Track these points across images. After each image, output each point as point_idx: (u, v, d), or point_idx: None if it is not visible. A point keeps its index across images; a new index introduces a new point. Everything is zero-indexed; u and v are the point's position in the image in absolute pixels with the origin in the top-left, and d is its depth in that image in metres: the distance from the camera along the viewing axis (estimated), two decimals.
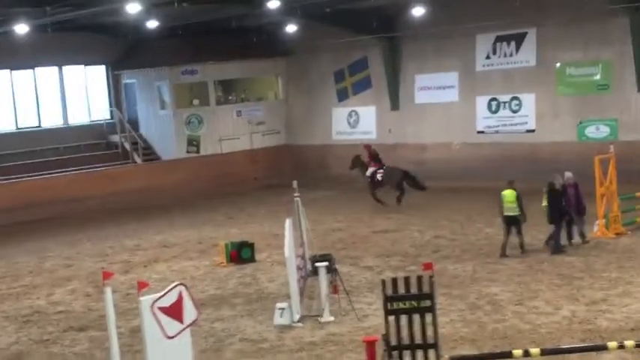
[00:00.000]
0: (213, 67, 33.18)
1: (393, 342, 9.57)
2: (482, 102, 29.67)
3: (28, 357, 13.60)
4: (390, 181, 25.82)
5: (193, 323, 10.03)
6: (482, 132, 29.75)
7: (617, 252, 17.77)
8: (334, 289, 14.58)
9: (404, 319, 9.61)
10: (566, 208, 18.32)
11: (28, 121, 32.80)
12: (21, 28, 26.71)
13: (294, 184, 15.90)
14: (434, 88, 30.83)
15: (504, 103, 29.13)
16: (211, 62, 32.94)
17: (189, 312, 9.90)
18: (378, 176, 25.91)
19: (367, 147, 27.02)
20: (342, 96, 33.64)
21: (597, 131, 27.10)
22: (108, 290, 10.06)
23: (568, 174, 18.79)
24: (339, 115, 33.85)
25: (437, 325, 9.65)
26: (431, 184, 26.18)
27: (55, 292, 18.04)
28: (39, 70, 32.83)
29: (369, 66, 32.59)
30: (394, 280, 9.71)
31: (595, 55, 26.95)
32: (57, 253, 22.51)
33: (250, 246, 19.78)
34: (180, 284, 9.95)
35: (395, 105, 31.96)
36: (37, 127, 32.92)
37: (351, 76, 33.18)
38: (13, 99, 32.43)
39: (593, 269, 16.44)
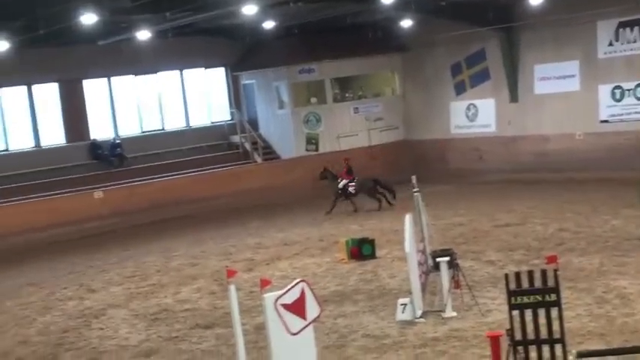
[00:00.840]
0: (329, 64, 33.36)
1: (518, 337, 9.41)
2: (605, 90, 28.81)
3: (158, 354, 13.97)
4: (362, 189, 27.13)
5: (316, 320, 10.11)
6: (605, 121, 28.91)
7: None
8: (456, 284, 14.45)
9: (528, 313, 9.44)
10: None
11: (151, 124, 33.76)
12: (143, 35, 27.56)
13: (413, 179, 15.83)
14: (554, 77, 30.13)
15: (629, 90, 28.23)
16: (328, 60, 33.12)
17: (312, 308, 9.98)
18: (350, 189, 27.18)
19: (346, 160, 28.25)
20: (460, 89, 33.28)
21: None
22: (232, 288, 10.24)
23: None
24: (457, 108, 33.49)
25: (563, 319, 9.45)
26: (554, 177, 25.61)
27: (181, 290, 18.48)
28: (161, 74, 33.74)
29: (486, 58, 32.12)
30: (517, 274, 9.55)
31: None
32: (182, 252, 23.07)
33: (371, 242, 19.79)
34: (303, 281, 10.04)
35: (514, 96, 31.39)
36: (160, 129, 33.83)
37: (469, 68, 32.78)
38: (138, 103, 33.43)
39: None
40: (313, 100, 34.18)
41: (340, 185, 27.26)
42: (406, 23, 31.30)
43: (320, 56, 32.90)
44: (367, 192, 27.02)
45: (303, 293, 9.91)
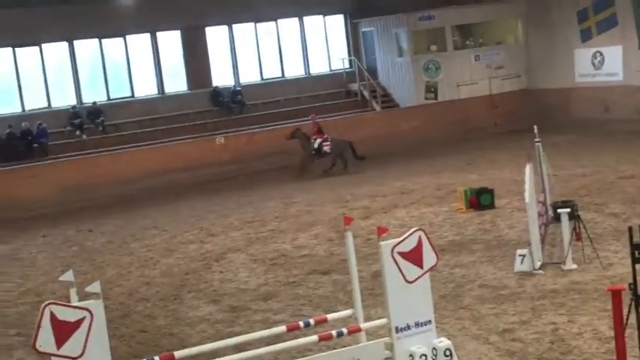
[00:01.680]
0: (450, 11, 32.82)
1: None
2: None
3: (276, 297, 14.23)
4: (336, 151, 27.02)
5: (432, 268, 10.08)
6: None
7: None
8: (577, 236, 14.15)
9: None
10: None
11: (271, 72, 34.05)
12: None
13: (535, 128, 15.50)
14: None
15: None
16: (448, 7, 32.58)
17: (429, 257, 9.96)
18: (326, 148, 26.85)
19: (314, 118, 27.96)
20: (586, 36, 32.21)
21: None
22: (349, 235, 10.29)
23: None
24: (583, 56, 32.46)
25: None
26: None
27: (299, 236, 18.72)
28: (281, 21, 33.90)
29: (614, 3, 30.95)
30: None
31: None
32: (301, 199, 23.32)
33: (490, 192, 19.55)
34: (420, 230, 10.01)
35: None
36: (280, 77, 34.09)
37: (596, 14, 31.65)
38: (258, 51, 33.73)
39: None
40: (433, 47, 33.72)
41: (315, 145, 27.03)
42: None
43: (441, 3, 32.38)
44: (342, 153, 27.06)
45: (420, 242, 9.89)
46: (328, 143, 26.92)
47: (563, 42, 32.74)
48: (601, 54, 31.76)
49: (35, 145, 29.22)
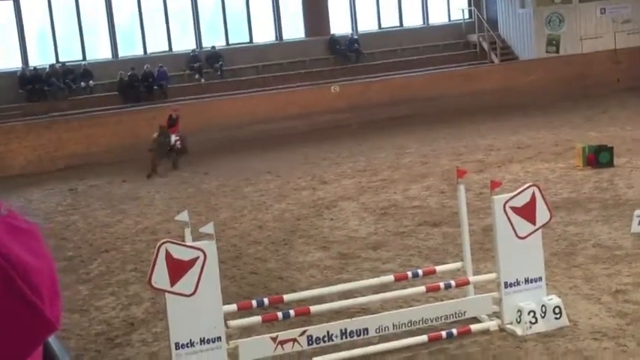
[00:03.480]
0: None
1: None
2: None
3: (385, 247, 14.27)
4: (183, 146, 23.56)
5: (545, 225, 9.93)
6: None
7: None
8: None
9: None
10: None
11: (389, 20, 33.77)
12: None
13: None
14: None
15: None
16: None
17: (542, 214, 9.81)
18: (178, 144, 23.24)
19: (176, 110, 23.99)
20: None
21: None
22: (461, 188, 10.22)
23: None
24: None
25: None
26: None
27: (410, 187, 18.67)
28: None
29: None
30: None
31: None
32: (414, 150, 23.22)
33: (609, 150, 19.02)
34: (534, 185, 9.86)
35: None
36: (398, 26, 33.79)
37: None
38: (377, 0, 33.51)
39: None
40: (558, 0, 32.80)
41: (173, 141, 23.08)
42: None
43: None
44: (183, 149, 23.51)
45: (533, 197, 9.74)
46: (178, 138, 23.23)
47: None
48: None
49: (155, 87, 29.91)
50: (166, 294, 8.79)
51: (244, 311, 9.81)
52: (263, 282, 12.98)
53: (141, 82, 29.82)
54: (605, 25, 32.58)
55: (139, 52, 31.11)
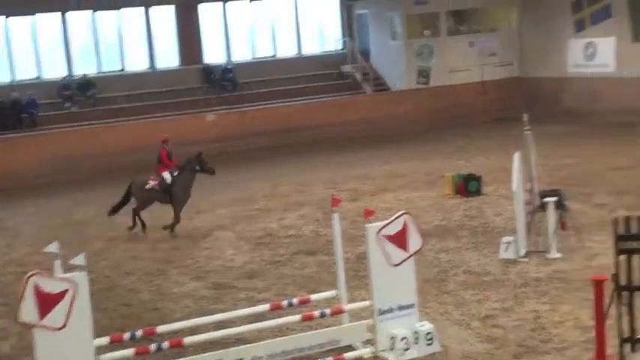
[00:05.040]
0: None
1: (624, 282, 9.22)
2: None
3: (261, 276, 14.25)
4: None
5: (418, 252, 10.12)
6: None
7: None
8: (563, 225, 14.22)
9: (636, 259, 9.22)
10: None
11: (264, 50, 33.93)
12: None
13: (525, 117, 15.51)
14: None
15: None
16: None
17: (414, 241, 10.01)
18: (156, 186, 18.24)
19: (166, 141, 18.87)
20: (580, 27, 32.22)
21: None
22: (336, 216, 10.33)
23: None
24: (576, 46, 32.50)
25: None
26: None
27: (286, 216, 18.73)
28: (275, 0, 33.73)
29: None
30: (627, 219, 9.31)
31: None
32: (289, 179, 23.32)
33: (477, 179, 19.60)
34: (406, 213, 10.05)
35: (637, 36, 30.23)
36: (272, 56, 33.99)
37: (590, 5, 31.66)
38: (251, 29, 33.59)
39: None
40: (427, 32, 33.70)
41: (169, 179, 18.14)
42: None
43: None
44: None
45: (406, 225, 9.93)
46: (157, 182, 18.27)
47: (556, 31, 32.75)
48: (594, 45, 31.81)
49: (24, 115, 29.09)
50: (35, 328, 8.53)
51: (117, 344, 9.62)
52: (136, 313, 12.76)
53: (9, 110, 28.93)
54: (473, 57, 33.64)
55: (6, 78, 30.22)
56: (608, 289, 9.26)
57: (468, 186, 19.38)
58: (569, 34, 32.49)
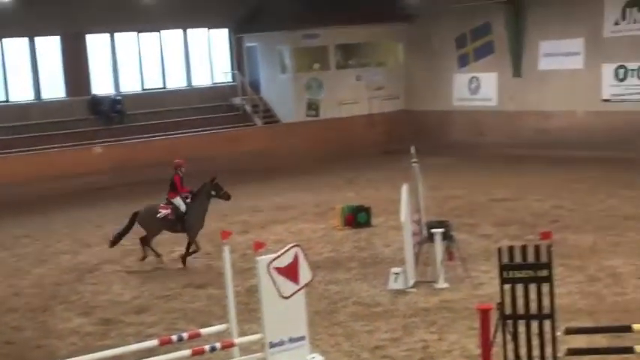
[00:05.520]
0: (333, 31, 33.19)
1: (508, 311, 9.47)
2: (608, 69, 28.77)
3: (149, 311, 14.04)
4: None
5: (308, 284, 10.15)
6: (607, 100, 28.89)
7: None
8: (450, 255, 14.51)
9: (520, 288, 9.49)
10: None
11: (153, 82, 33.65)
12: None
13: (412, 149, 15.82)
14: (558, 54, 30.05)
15: (632, 70, 28.18)
16: (332, 26, 32.96)
17: (305, 273, 10.03)
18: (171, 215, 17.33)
19: (180, 166, 18.14)
20: (464, 62, 33.18)
21: None
22: (226, 249, 10.28)
23: None
24: (460, 81, 33.42)
25: (554, 295, 9.49)
26: (553, 153, 25.61)
27: (175, 249, 18.50)
28: (164, 32, 33.57)
29: (491, 31, 32.01)
30: (511, 249, 9.58)
31: None
32: None
33: (366, 210, 19.83)
34: (296, 246, 10.08)
35: (517, 71, 31.32)
36: (161, 88, 33.73)
37: (473, 41, 32.66)
38: (140, 61, 33.29)
39: None
40: (316, 65, 34.08)
41: (183, 207, 17.39)
42: None
43: (324, 22, 32.71)
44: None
45: (296, 258, 9.95)
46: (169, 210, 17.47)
47: (441, 66, 33.61)
48: (477, 79, 32.76)
49: None
50: None
51: None
52: (20, 352, 12.37)
53: None
54: (361, 91, 34.16)
55: None
56: (494, 317, 9.48)
57: (358, 217, 19.59)
58: (453, 69, 33.39)
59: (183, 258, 17.16)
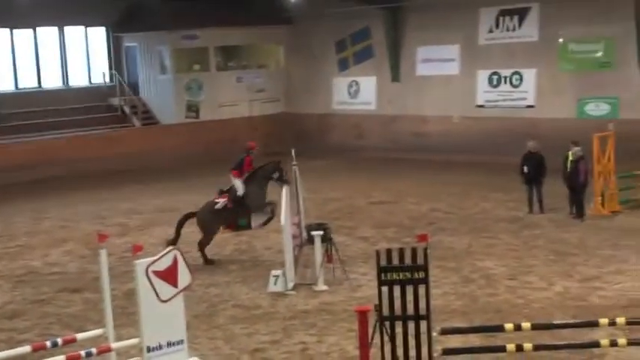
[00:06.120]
0: (214, 32, 33.02)
1: (386, 312, 9.61)
2: (483, 76, 29.61)
3: (22, 316, 13.65)
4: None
5: (187, 288, 10.06)
6: (482, 106, 29.72)
7: (612, 230, 17.81)
8: (329, 258, 14.63)
9: (397, 290, 9.64)
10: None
11: (28, 81, 32.71)
12: None
13: (292, 152, 15.89)
14: (435, 60, 30.73)
15: (505, 77, 29.08)
16: (212, 28, 32.78)
17: (184, 277, 9.93)
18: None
19: (253, 148, 17.37)
20: (343, 66, 33.55)
21: (597, 109, 27.08)
22: (103, 252, 10.10)
23: (576, 148, 18.93)
24: (340, 84, 33.78)
25: (430, 296, 9.68)
26: (430, 157, 26.16)
27: (50, 252, 18.08)
28: (39, 30, 32.67)
29: (371, 36, 32.47)
30: (388, 251, 9.73)
31: (598, 32, 26.83)
32: (54, 214, 22.54)
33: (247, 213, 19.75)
34: (175, 249, 9.98)
35: (396, 76, 31.87)
36: (37, 87, 32.82)
37: (353, 45, 33.06)
38: (13, 59, 32.30)
39: (587, 246, 16.50)
40: (196, 67, 33.85)
41: (240, 191, 16.53)
42: None
43: (205, 23, 32.51)
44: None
45: (175, 261, 9.84)
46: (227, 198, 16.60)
47: (322, 69, 33.89)
48: (357, 83, 33.17)
49: None
50: None
51: None
52: None
53: None
54: (241, 93, 34.09)
55: None
56: (372, 319, 9.61)
57: (238, 221, 19.49)
58: (333, 73, 33.71)
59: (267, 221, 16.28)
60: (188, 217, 16.73)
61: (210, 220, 16.48)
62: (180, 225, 16.64)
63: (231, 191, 16.51)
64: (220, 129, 32.91)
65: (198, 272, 15.11)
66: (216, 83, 33.69)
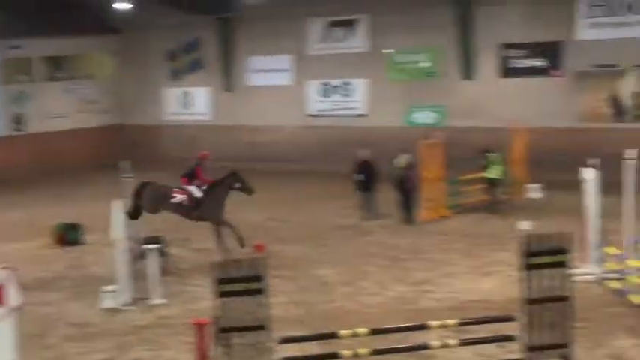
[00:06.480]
0: (38, 42, 31.93)
1: (224, 324, 9.57)
2: (314, 86, 30.05)
3: None
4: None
5: (18, 308, 9.71)
6: (314, 115, 30.14)
7: (442, 234, 18.43)
8: (165, 271, 14.45)
9: (235, 301, 9.62)
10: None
11: None
12: None
13: (124, 164, 15.61)
14: (267, 70, 30.96)
15: (336, 87, 29.62)
16: (36, 37, 31.70)
17: (14, 296, 9.59)
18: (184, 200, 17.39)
19: (205, 157, 18.43)
20: (175, 76, 33.26)
21: (425, 117, 27.98)
22: None
23: (405, 156, 19.53)
24: (172, 95, 33.46)
25: (267, 306, 9.71)
26: (265, 167, 26.27)
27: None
28: None
29: (202, 46, 32.36)
30: (225, 262, 9.70)
31: (424, 42, 27.73)
32: None
33: (77, 228, 19.30)
34: (4, 268, 9.62)
35: (228, 86, 31.89)
36: None
37: (184, 56, 32.84)
38: None
39: (418, 251, 17.01)
40: (23, 77, 32.67)
41: (197, 194, 17.40)
42: (123, 5, 30.60)
43: (28, 33, 31.39)
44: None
45: (4, 280, 9.49)
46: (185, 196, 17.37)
47: (153, 80, 33.48)
48: (190, 94, 32.96)
49: None
50: None
51: None
52: None
53: None
54: (71, 104, 33.17)
55: None
56: (211, 331, 9.55)
57: (69, 235, 19.01)
58: (165, 83, 33.36)
59: (239, 241, 16.89)
60: (145, 185, 17.41)
61: (159, 204, 17.34)
62: (137, 195, 17.11)
63: (187, 191, 17.34)
64: (49, 141, 31.90)
65: (29, 290, 14.57)
66: (43, 94, 32.63)
